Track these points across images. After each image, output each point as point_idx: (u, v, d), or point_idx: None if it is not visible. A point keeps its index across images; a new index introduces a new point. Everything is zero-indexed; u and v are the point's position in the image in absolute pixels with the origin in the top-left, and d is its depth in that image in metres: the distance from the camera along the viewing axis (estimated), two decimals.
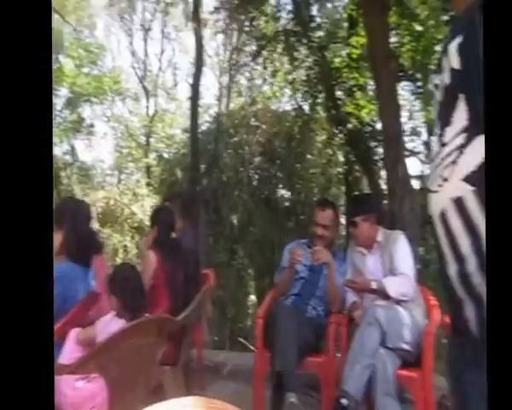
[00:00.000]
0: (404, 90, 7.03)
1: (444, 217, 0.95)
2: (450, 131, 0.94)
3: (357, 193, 6.42)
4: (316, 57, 6.82)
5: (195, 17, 7.77)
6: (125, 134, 13.20)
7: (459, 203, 0.91)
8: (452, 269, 0.94)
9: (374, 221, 2.90)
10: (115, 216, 9.11)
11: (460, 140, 0.91)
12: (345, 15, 6.89)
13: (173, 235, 2.97)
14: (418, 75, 6.25)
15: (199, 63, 7.79)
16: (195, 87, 7.77)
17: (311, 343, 2.76)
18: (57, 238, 2.11)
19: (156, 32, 18.02)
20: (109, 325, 1.98)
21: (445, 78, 0.95)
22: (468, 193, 0.89)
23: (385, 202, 4.71)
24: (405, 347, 2.47)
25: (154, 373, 2.16)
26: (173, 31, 14.11)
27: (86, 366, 1.79)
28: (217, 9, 7.15)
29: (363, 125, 6.76)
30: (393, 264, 2.77)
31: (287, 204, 8.75)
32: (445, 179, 0.95)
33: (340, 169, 7.93)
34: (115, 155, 13.62)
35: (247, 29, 7.41)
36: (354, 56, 6.75)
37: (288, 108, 8.80)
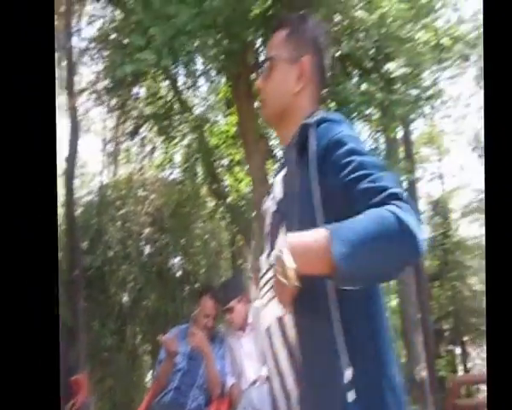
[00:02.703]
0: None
1: (269, 332, 1.02)
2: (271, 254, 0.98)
3: (223, 279, 6.49)
4: (194, 136, 6.95)
5: (68, 87, 7.60)
6: None
7: (281, 323, 0.99)
8: (275, 382, 1.00)
9: (246, 299, 2.91)
10: None
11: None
12: (221, 96, 7.12)
13: None
14: None
15: (73, 139, 7.60)
16: (71, 158, 7.52)
17: None
18: None
19: None
20: None
21: (272, 204, 1.03)
22: (286, 314, 0.96)
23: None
24: None
25: None
26: None
27: None
28: (84, 90, 7.07)
29: (242, 197, 6.97)
30: None
31: (179, 273, 8.64)
32: (270, 299, 0.99)
33: (225, 239, 8.00)
34: None
35: (126, 108, 7.34)
36: (230, 134, 7.00)
37: (175, 176, 8.80)
